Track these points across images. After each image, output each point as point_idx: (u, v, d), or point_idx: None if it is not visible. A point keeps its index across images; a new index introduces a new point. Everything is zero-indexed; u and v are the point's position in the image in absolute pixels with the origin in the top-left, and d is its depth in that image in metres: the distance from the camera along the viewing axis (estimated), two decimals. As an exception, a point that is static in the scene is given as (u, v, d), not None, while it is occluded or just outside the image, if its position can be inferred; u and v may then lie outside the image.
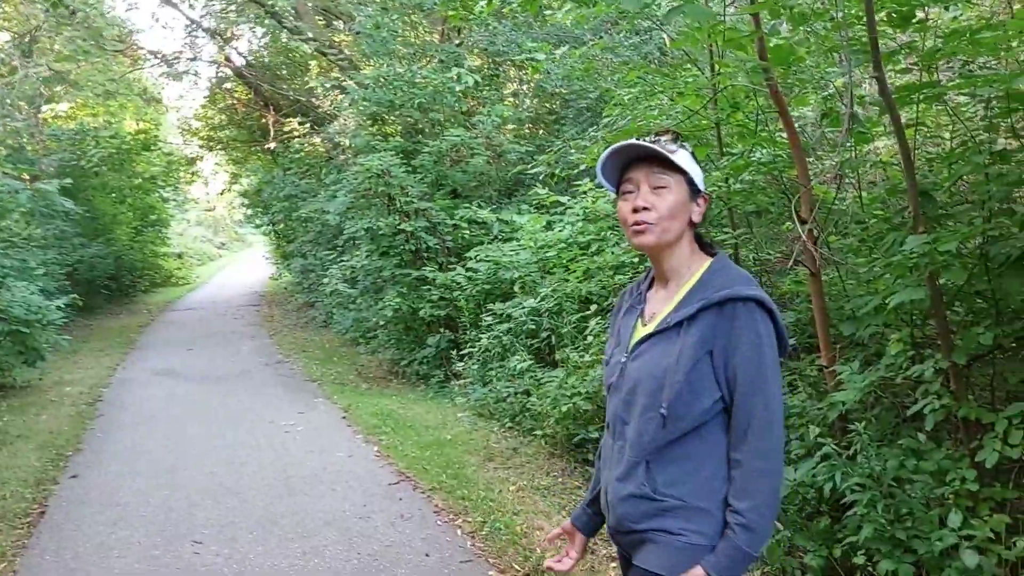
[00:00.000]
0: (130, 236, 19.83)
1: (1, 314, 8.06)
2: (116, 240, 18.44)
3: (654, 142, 1.68)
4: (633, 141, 1.69)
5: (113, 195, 18.68)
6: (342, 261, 9.07)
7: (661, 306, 1.72)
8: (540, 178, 6.79)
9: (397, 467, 5.42)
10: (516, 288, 7.29)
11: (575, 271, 6.18)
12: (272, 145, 18.05)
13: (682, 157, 1.68)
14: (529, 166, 7.20)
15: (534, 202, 8.10)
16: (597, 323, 5.62)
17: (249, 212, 33.37)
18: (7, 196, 6.87)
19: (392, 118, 10.68)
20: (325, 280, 10.64)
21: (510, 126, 10.99)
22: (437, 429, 6.39)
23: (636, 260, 6.25)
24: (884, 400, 3.51)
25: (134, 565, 3.88)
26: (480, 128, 9.39)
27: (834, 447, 3.22)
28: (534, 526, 4.19)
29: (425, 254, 8.55)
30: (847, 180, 4.32)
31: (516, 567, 3.72)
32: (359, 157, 10.02)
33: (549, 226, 7.63)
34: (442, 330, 8.16)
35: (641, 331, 1.73)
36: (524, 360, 6.39)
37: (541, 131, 11.09)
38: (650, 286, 1.80)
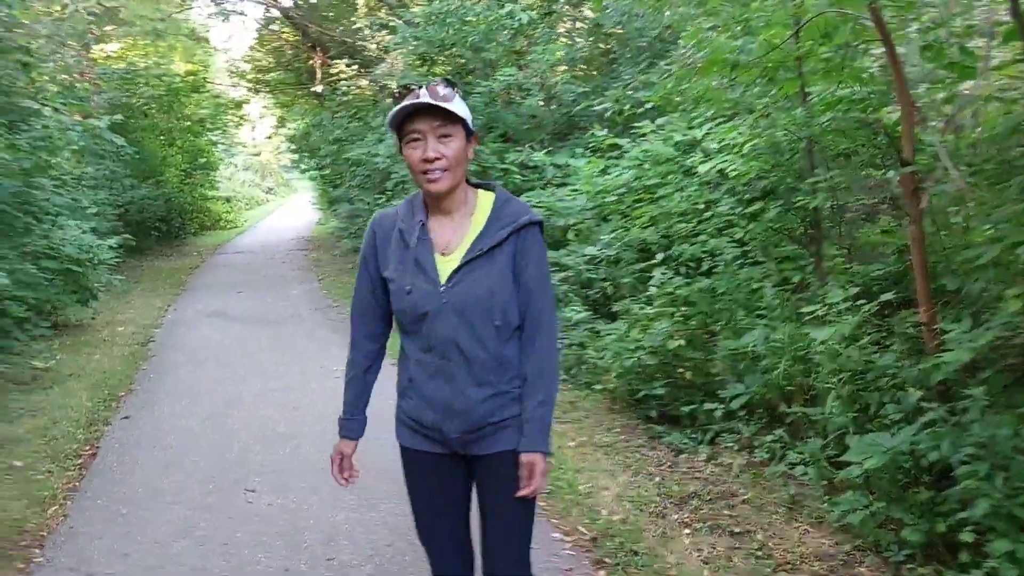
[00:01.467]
0: (179, 179, 19.90)
1: (54, 252, 8.04)
2: (166, 182, 18.52)
3: (435, 95, 1.83)
4: (418, 100, 1.83)
5: (163, 137, 18.69)
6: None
7: (454, 235, 1.94)
8: (606, 115, 6.42)
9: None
10: (571, 236, 6.99)
11: (638, 217, 5.83)
12: (319, 88, 17.81)
13: (458, 105, 1.86)
14: (595, 102, 6.83)
15: (590, 145, 7.73)
16: (662, 274, 5.31)
17: (295, 157, 33.48)
18: (58, 133, 6.74)
19: (442, 58, 10.32)
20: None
21: (561, 67, 10.55)
22: None
23: (702, 207, 5.90)
24: (996, 361, 3.18)
25: (186, 513, 3.78)
26: (534, 68, 8.99)
27: (941, 412, 2.91)
28: (598, 485, 3.98)
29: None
30: (955, 118, 3.91)
31: (582, 529, 3.52)
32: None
33: (604, 171, 7.27)
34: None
35: (447, 261, 1.92)
36: (579, 311, 6.13)
37: (595, 72, 10.63)
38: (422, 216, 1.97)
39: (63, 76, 9.63)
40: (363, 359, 2.12)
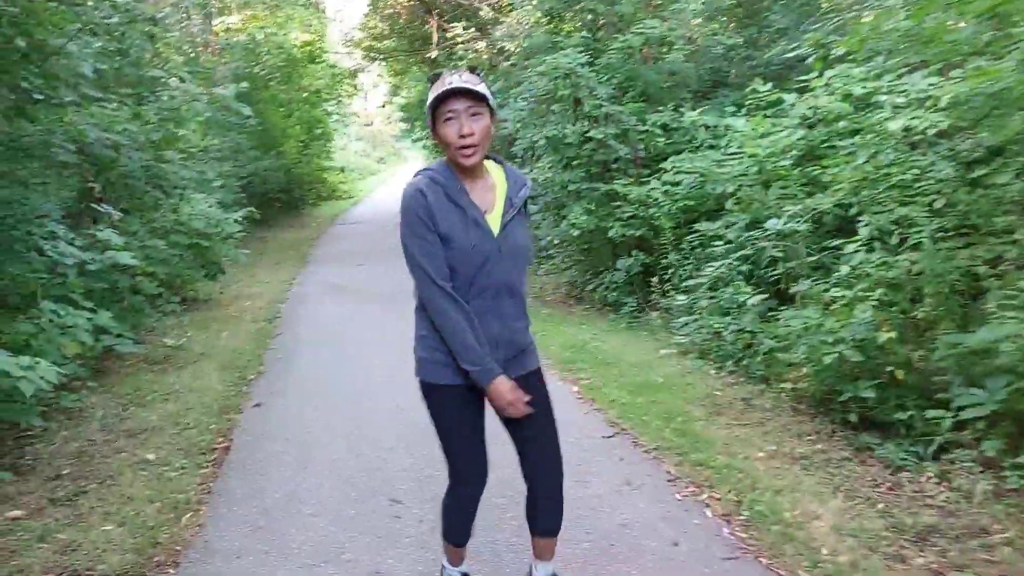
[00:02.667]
0: (298, 150, 20.03)
1: (182, 227, 7.91)
2: (286, 154, 18.64)
3: (466, 80, 2.15)
4: (459, 83, 2.13)
5: (282, 109, 18.78)
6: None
7: (486, 197, 2.29)
8: (809, 60, 5.56)
9: (607, 416, 4.64)
10: (731, 204, 6.20)
11: (838, 183, 4.92)
12: (434, 53, 17.36)
13: (485, 89, 2.18)
14: (790, 47, 5.98)
15: (747, 102, 6.86)
16: (859, 249, 4.46)
17: (406, 126, 33.45)
18: (185, 104, 6.50)
19: (570, 14, 9.57)
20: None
21: (695, 21, 9.59)
22: (642, 368, 5.55)
23: (897, 171, 4.99)
24: None
25: (329, 529, 3.33)
26: (679, 18, 8.13)
27: None
28: (807, 512, 3.28)
29: (614, 165, 7.55)
30: None
31: (802, 574, 2.84)
32: (532, 60, 9.07)
33: (766, 132, 6.40)
34: (634, 252, 7.22)
35: (491, 218, 2.27)
36: (748, 292, 5.37)
37: (733, 23, 9.62)
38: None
39: (187, 47, 9.47)
40: (464, 307, 2.25)
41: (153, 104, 6.08)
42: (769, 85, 6.40)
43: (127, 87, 5.72)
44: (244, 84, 9.04)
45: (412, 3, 17.30)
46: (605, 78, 7.77)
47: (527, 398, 2.27)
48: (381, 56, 20.64)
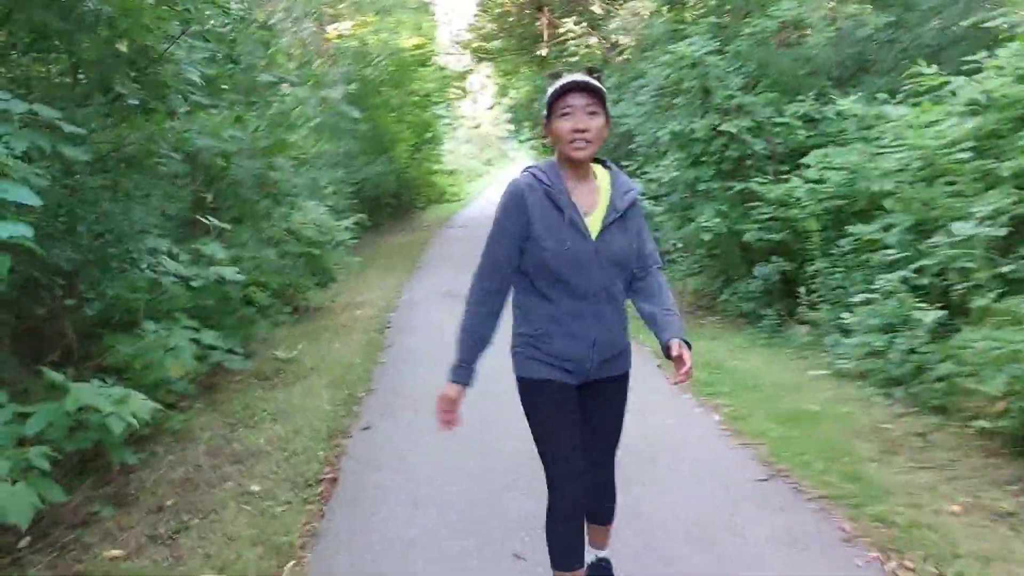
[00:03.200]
0: (408, 154, 20.07)
1: (294, 235, 7.79)
2: (396, 158, 18.68)
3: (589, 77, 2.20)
4: (580, 77, 2.18)
5: (393, 113, 18.83)
6: (644, 173, 7.64)
7: (591, 199, 2.29)
8: (1002, 34, 4.79)
9: (758, 452, 4.03)
10: (890, 204, 5.43)
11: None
12: (544, 51, 16.94)
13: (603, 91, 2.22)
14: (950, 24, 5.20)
15: (904, 87, 6.04)
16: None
17: (512, 128, 33.22)
18: (297, 110, 6.31)
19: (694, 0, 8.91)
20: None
21: (830, 3, 8.72)
22: (792, 393, 4.89)
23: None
24: None
25: (445, 587, 2.92)
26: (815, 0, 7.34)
27: None
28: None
29: (749, 162, 6.86)
30: None
31: None
32: (652, 51, 8.47)
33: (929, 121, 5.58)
34: (774, 258, 6.51)
35: (590, 221, 2.26)
36: (919, 306, 4.63)
37: (873, 3, 8.67)
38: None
39: (299, 51, 9.38)
40: (493, 312, 2.35)
41: (263, 109, 5.88)
42: (934, 68, 5.57)
43: (240, 93, 5.51)
44: (353, 85, 8.82)
45: (522, 1, 16.93)
46: (735, 67, 7.08)
47: (454, 418, 2.45)
48: (490, 56, 20.40)
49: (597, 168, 2.33)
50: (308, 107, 6.12)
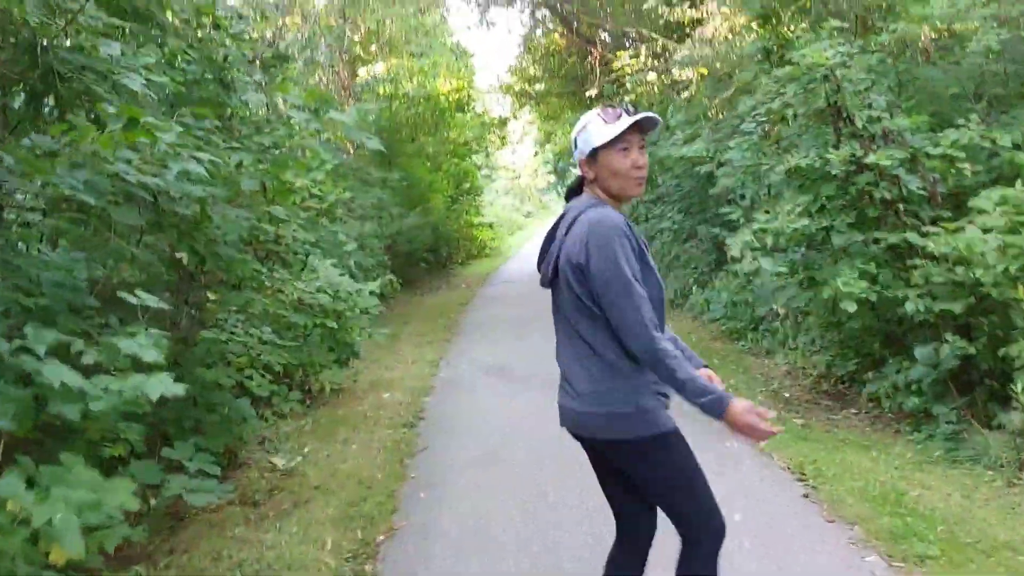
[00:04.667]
0: (446, 205, 18.68)
1: (306, 306, 6.22)
2: (432, 210, 17.28)
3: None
4: (652, 114, 2.16)
5: (428, 163, 17.50)
6: (747, 222, 5.88)
7: None
8: None
9: None
10: None
11: None
12: (593, 92, 15.47)
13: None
14: None
15: None
16: None
17: (553, 179, 31.82)
18: (292, 140, 4.78)
19: (793, 7, 7.31)
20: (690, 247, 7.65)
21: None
22: (1014, 551, 3.10)
23: None
24: None
25: None
26: (967, -3, 5.66)
27: None
28: None
29: (901, 206, 5.12)
30: None
31: None
32: (743, 73, 6.89)
33: None
34: (948, 336, 4.71)
35: None
36: None
37: None
38: None
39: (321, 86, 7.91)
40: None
41: (251, 138, 4.35)
42: None
43: (203, 105, 3.98)
44: (371, 105, 7.34)
45: (570, 36, 15.55)
46: (871, 83, 5.41)
47: (771, 414, 2.06)
48: (533, 100, 19.06)
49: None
50: (310, 138, 4.55)
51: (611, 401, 2.12)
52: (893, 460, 4.44)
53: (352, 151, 15.96)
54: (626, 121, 2.10)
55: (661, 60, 12.80)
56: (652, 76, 12.82)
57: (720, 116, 10.00)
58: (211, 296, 4.96)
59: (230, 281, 4.74)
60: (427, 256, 16.70)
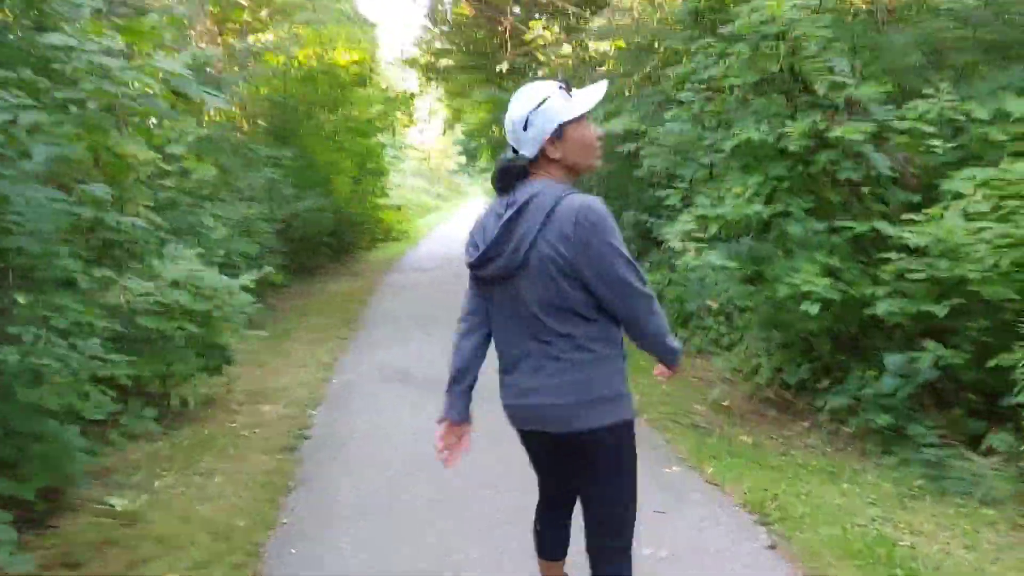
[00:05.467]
0: (349, 186, 17.38)
1: (159, 306, 5.07)
2: (334, 191, 15.98)
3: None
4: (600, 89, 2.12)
5: (329, 142, 16.16)
6: (690, 208, 5.02)
7: None
8: None
9: None
10: None
11: None
12: (504, 66, 14.52)
13: None
14: None
15: None
16: None
17: (464, 161, 30.74)
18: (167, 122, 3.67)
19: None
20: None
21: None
22: None
23: None
24: None
25: None
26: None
27: None
28: None
29: (865, 190, 4.41)
30: None
31: None
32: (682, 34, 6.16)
33: None
34: (927, 342, 4.03)
35: None
36: None
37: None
38: None
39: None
40: None
41: (48, 93, 3.20)
42: None
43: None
44: (193, 52, 6.15)
45: (479, 6, 14.52)
46: (827, 44, 4.67)
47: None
48: (440, 76, 17.94)
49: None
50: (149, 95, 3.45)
51: (595, 388, 2.04)
52: (867, 493, 3.73)
53: (245, 125, 14.56)
54: (599, 89, 2.11)
55: (576, 32, 11.98)
56: (567, 49, 11.98)
57: (637, 93, 9.28)
58: (20, 299, 3.81)
59: (39, 281, 3.60)
60: (328, 241, 15.43)
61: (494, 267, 2.07)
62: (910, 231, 4.00)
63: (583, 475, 2.14)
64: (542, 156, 2.06)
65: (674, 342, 2.15)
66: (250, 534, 3.73)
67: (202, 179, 5.80)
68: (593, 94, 2.08)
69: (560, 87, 2.06)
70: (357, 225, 18.41)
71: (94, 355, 3.94)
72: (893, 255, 4.09)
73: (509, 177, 2.09)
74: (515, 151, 2.09)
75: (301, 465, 4.71)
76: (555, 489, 2.41)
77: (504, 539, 3.45)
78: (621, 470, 2.11)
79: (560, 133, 2.03)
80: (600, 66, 11.62)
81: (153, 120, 4.46)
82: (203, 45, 10.11)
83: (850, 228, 4.22)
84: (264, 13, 13.92)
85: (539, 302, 2.03)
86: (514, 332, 2.11)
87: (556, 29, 12.04)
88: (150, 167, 4.63)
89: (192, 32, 9.80)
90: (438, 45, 16.88)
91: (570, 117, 2.03)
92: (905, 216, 4.19)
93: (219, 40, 12.22)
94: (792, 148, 4.27)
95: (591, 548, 2.18)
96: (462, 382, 2.29)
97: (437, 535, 3.58)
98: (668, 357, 2.16)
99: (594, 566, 2.18)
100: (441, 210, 37.17)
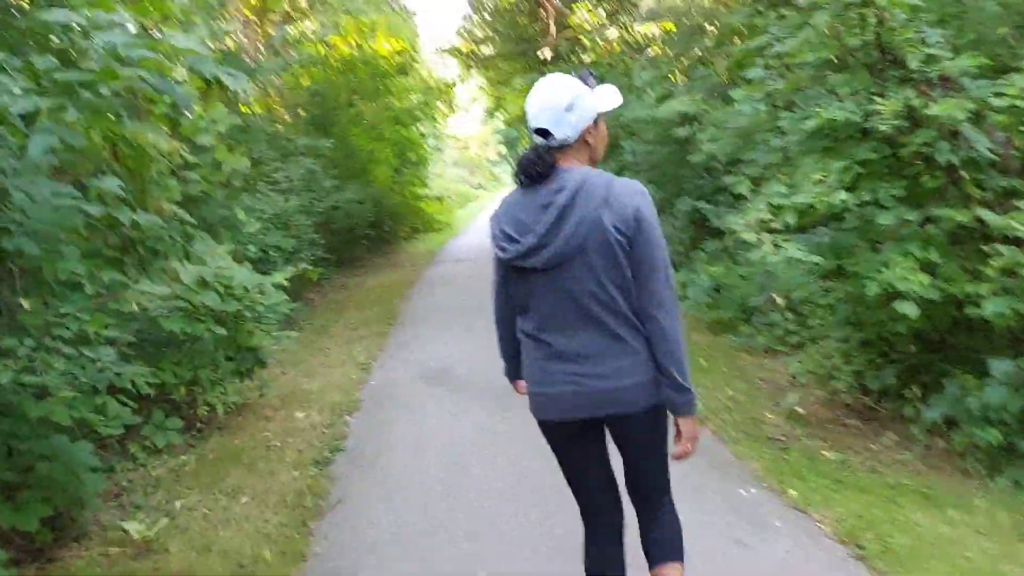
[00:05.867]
0: (389, 177, 17.10)
1: (187, 302, 4.75)
2: (375, 182, 15.71)
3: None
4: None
5: (369, 132, 15.88)
6: (759, 195, 4.53)
7: None
8: None
9: None
10: None
11: None
12: (548, 52, 14.05)
13: None
14: None
15: None
16: None
17: (505, 150, 30.28)
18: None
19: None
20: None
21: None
22: None
23: None
24: None
25: None
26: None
27: None
28: None
29: (962, 175, 3.89)
30: None
31: None
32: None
33: None
34: (1037, 348, 3.52)
35: None
36: None
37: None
38: None
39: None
40: None
41: (51, 74, 2.86)
42: None
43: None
44: (211, 27, 5.81)
45: (520, -10, 14.04)
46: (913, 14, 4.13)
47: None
48: (482, 64, 17.51)
49: None
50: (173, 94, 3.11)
51: (651, 367, 2.05)
52: (977, 522, 3.23)
53: (286, 115, 14.33)
54: (616, 93, 2.18)
55: (622, 15, 11.44)
56: (613, 33, 11.45)
57: (686, 76, 8.74)
58: (24, 305, 3.51)
59: (42, 287, 3.29)
60: (368, 233, 15.16)
61: (543, 256, 2.01)
62: (1013, 222, 3.47)
63: (630, 452, 2.21)
64: (579, 141, 2.07)
65: (689, 380, 2.06)
66: (277, 568, 3.38)
67: (235, 170, 5.46)
68: (614, 95, 2.16)
69: (585, 79, 2.12)
70: (397, 216, 18.15)
71: (105, 366, 3.62)
72: (1000, 248, 3.56)
73: (544, 165, 2.03)
74: (544, 139, 2.04)
75: (335, 483, 4.36)
76: (598, 489, 2.31)
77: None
78: (663, 439, 2.20)
79: (595, 122, 2.11)
80: (646, 49, 11.10)
81: (176, 106, 4.10)
82: (242, 36, 9.81)
83: (948, 218, 3.70)
84: (304, 2, 13.63)
85: (600, 284, 2.00)
86: (565, 319, 2.07)
87: (601, 12, 11.49)
88: (175, 158, 4.31)
89: (227, 19, 9.51)
90: (479, 33, 16.42)
91: (605, 109, 2.13)
92: (1009, 204, 3.65)
93: (259, 30, 11.95)
94: (882, 128, 3.75)
95: (641, 505, 2.28)
96: (517, 358, 2.32)
97: (481, 549, 3.18)
98: (677, 397, 2.06)
99: (645, 511, 2.28)
100: (481, 199, 36.79)
